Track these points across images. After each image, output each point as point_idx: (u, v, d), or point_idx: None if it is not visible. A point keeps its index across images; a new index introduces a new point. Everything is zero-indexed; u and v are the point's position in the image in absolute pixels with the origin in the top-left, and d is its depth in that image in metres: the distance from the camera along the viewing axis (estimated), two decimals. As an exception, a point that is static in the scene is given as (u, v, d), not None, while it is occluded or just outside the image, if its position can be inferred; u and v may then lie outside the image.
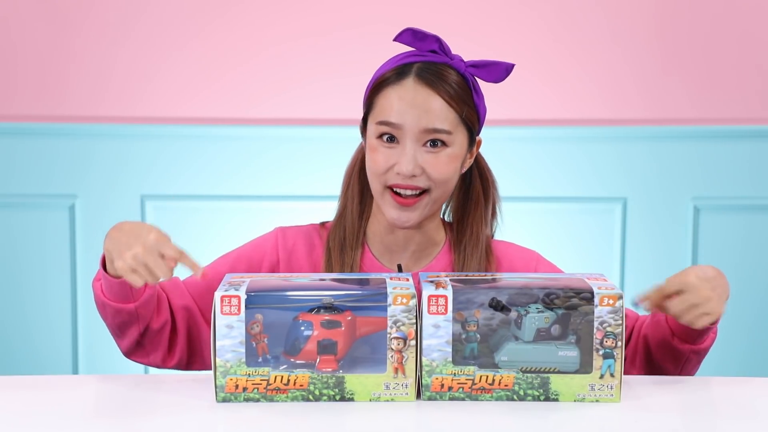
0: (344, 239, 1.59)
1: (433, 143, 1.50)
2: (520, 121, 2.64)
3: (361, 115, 1.58)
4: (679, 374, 1.52)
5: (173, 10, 2.64)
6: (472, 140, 1.56)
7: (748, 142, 2.64)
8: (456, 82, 1.50)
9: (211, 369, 1.63)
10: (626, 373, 1.52)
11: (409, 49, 1.56)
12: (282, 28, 2.64)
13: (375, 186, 1.54)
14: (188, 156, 2.63)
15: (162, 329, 1.51)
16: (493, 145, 2.68)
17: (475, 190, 1.62)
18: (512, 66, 1.54)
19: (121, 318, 1.47)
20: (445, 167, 1.50)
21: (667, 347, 1.50)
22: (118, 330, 1.49)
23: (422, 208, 1.52)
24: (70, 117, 2.66)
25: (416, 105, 1.48)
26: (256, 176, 2.65)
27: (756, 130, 2.64)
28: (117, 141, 2.64)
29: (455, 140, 1.51)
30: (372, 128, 1.52)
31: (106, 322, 1.50)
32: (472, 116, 1.52)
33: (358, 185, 1.62)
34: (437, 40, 1.52)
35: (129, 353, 1.53)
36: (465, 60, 1.54)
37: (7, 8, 2.63)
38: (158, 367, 1.56)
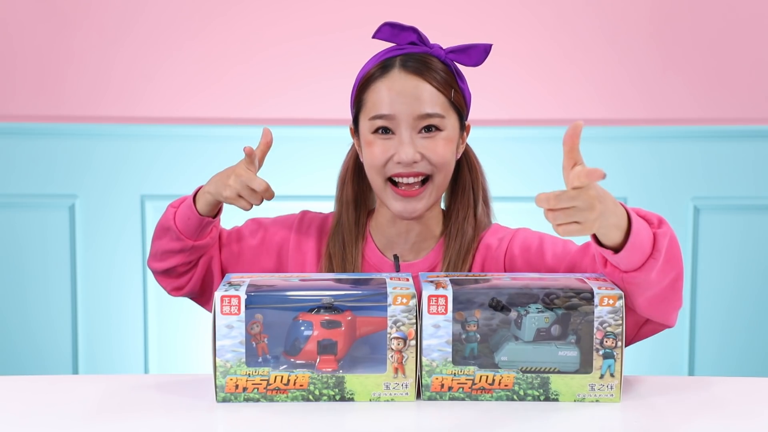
0: (344, 248, 1.61)
1: (428, 129, 1.53)
2: (520, 122, 2.64)
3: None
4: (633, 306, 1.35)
5: (173, 10, 2.64)
6: (462, 124, 1.59)
7: (748, 142, 2.64)
8: (440, 68, 1.54)
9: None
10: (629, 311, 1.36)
11: (388, 45, 1.58)
12: (282, 28, 2.64)
13: (376, 181, 1.55)
14: (188, 156, 2.63)
15: (192, 265, 1.62)
16: (492, 145, 2.69)
17: (463, 178, 1.63)
18: (490, 46, 1.58)
19: (173, 247, 1.59)
20: (442, 150, 1.53)
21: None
22: (162, 255, 1.61)
23: (427, 197, 1.55)
24: (69, 117, 2.66)
25: (406, 93, 1.51)
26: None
27: (756, 130, 2.64)
28: (117, 141, 2.64)
29: (448, 124, 1.54)
30: (365, 125, 1.55)
31: (158, 242, 1.62)
32: (460, 100, 1.56)
33: (351, 192, 1.64)
34: (415, 31, 1.56)
35: (158, 272, 1.64)
36: (443, 48, 1.57)
37: (7, 8, 2.63)
38: (170, 293, 1.67)
